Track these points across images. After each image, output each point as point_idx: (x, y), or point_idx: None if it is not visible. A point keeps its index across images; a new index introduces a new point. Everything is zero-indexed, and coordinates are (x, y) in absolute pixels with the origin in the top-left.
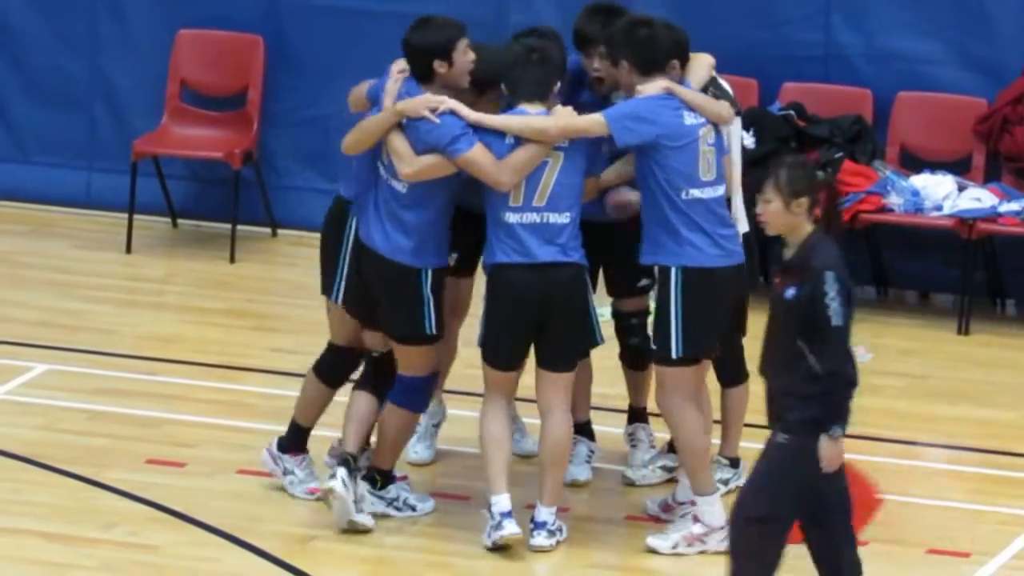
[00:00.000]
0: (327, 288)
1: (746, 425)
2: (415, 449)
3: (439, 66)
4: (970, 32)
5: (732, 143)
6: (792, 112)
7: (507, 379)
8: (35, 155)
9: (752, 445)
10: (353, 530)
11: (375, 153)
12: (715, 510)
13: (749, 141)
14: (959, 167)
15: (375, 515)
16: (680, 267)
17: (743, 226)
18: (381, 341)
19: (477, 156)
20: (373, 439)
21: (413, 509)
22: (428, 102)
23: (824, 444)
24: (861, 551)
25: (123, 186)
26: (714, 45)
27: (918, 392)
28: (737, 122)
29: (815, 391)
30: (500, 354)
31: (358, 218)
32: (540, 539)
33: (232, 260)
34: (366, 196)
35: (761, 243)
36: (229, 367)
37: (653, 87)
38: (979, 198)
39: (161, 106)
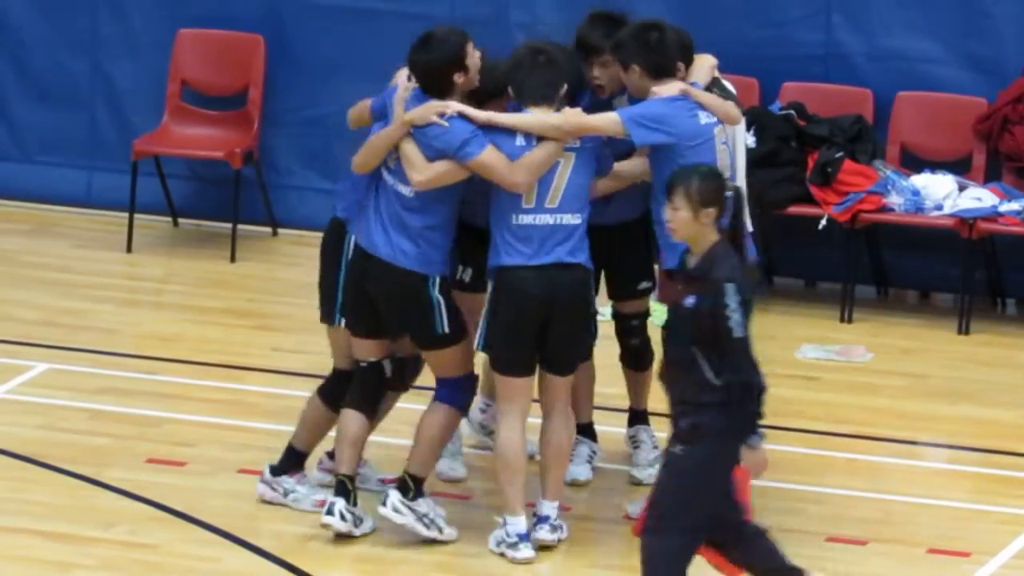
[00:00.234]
0: (327, 314)
1: None
2: (451, 466)
3: (458, 77)
4: (970, 32)
5: (737, 143)
6: (792, 112)
7: (523, 386)
8: (36, 154)
9: None
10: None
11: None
12: None
13: (750, 141)
14: (959, 167)
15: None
16: None
17: (748, 226)
18: (371, 350)
19: (489, 158)
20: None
21: (440, 531)
22: (436, 108)
23: (746, 455)
24: (862, 550)
25: (124, 185)
26: (714, 45)
27: (918, 392)
28: (741, 122)
29: (709, 400)
30: (510, 358)
31: (357, 223)
32: (543, 533)
33: (233, 259)
34: (366, 201)
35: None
36: (230, 366)
37: (669, 89)
38: (979, 198)
39: (162, 105)
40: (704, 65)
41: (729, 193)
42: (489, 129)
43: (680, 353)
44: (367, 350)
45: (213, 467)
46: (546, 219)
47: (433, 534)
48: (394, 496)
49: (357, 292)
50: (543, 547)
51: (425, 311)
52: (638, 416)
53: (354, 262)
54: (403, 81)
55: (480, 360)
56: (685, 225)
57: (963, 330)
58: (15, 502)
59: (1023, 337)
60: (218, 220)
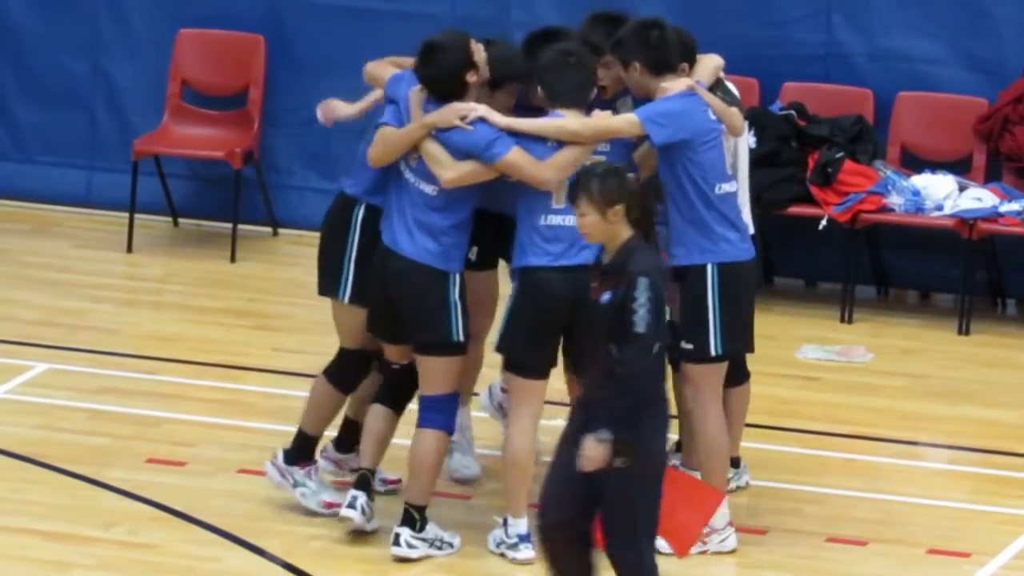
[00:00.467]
0: (331, 288)
1: (747, 425)
2: (464, 463)
3: (470, 76)
4: (971, 32)
5: (739, 144)
6: (793, 112)
7: (538, 388)
8: (36, 154)
9: (752, 445)
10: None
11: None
12: (722, 512)
13: (750, 141)
14: (960, 167)
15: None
16: (716, 264)
17: (750, 227)
18: (401, 354)
19: (516, 158)
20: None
21: (451, 546)
22: (458, 111)
23: (589, 444)
24: (862, 551)
25: (124, 185)
26: (715, 45)
27: (918, 392)
28: (743, 134)
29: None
30: (530, 360)
31: (383, 224)
32: None
33: (233, 259)
34: (387, 201)
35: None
36: (230, 366)
37: (678, 85)
38: (980, 198)
39: (162, 105)
40: (710, 65)
41: (633, 187)
42: (512, 133)
43: (598, 349)
44: (397, 354)
45: (213, 467)
46: (575, 220)
47: (446, 552)
48: (405, 533)
49: (381, 296)
50: None
51: (442, 312)
52: None
53: (377, 261)
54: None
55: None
56: (595, 227)
57: (963, 330)
58: (15, 502)
59: (1023, 338)
60: (218, 220)
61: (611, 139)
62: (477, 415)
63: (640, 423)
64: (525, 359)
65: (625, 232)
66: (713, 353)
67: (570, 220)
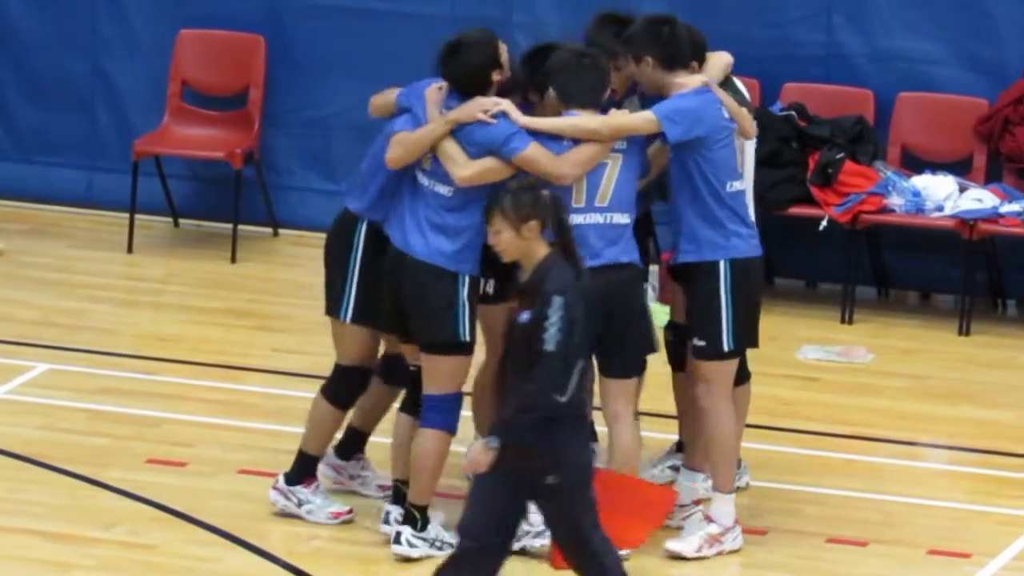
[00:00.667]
0: (333, 308)
1: (747, 425)
2: None
3: (496, 75)
4: (971, 32)
5: (746, 144)
6: (793, 112)
7: None
8: (35, 155)
9: (753, 445)
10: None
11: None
12: (728, 509)
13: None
14: (960, 168)
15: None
16: (728, 260)
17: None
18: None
19: (535, 152)
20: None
21: (452, 547)
22: (481, 105)
23: (477, 446)
24: (862, 551)
25: (124, 186)
26: (716, 45)
27: (919, 393)
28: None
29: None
30: None
31: (391, 227)
32: None
33: (233, 260)
34: (397, 207)
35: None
36: (230, 367)
37: (693, 81)
38: (980, 199)
39: (162, 106)
40: (719, 63)
41: (547, 202)
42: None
43: (519, 367)
44: (415, 353)
45: (213, 467)
46: (596, 218)
47: (446, 551)
48: (406, 532)
49: (394, 297)
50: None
51: (451, 311)
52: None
53: (388, 264)
54: (434, 86)
55: None
56: (511, 245)
57: (963, 331)
58: (15, 502)
59: (1023, 338)
60: (218, 220)
61: (626, 137)
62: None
63: (558, 438)
64: None
65: (541, 249)
66: (726, 349)
67: (592, 218)
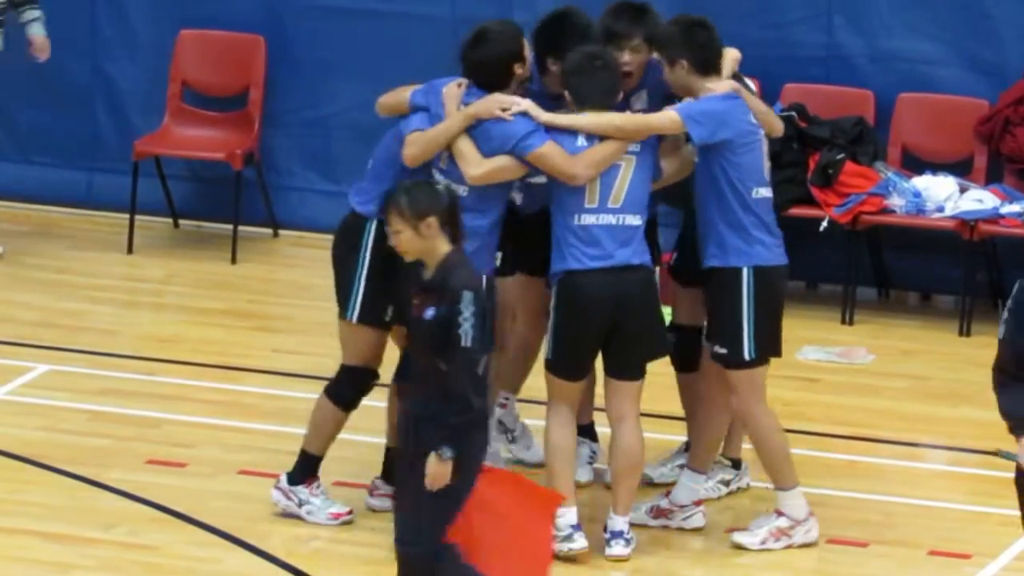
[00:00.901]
0: (341, 309)
1: None
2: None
3: (517, 67)
4: (972, 33)
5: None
6: (794, 113)
7: (576, 389)
8: (35, 155)
9: (747, 445)
10: None
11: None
12: (798, 503)
13: None
14: (961, 168)
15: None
16: (752, 267)
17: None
18: None
19: (550, 150)
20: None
21: None
22: (500, 102)
23: (431, 462)
24: (862, 552)
25: (124, 186)
26: None
27: (919, 393)
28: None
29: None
30: (571, 364)
31: None
32: (618, 548)
33: (233, 261)
34: None
35: None
36: (230, 368)
37: (723, 86)
38: (981, 199)
39: (162, 106)
40: (728, 59)
41: (445, 198)
42: (549, 129)
43: (425, 366)
44: None
45: (213, 468)
46: (609, 219)
47: None
48: None
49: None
50: (617, 560)
51: None
52: None
53: (405, 261)
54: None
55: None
56: (411, 243)
57: (964, 332)
58: (15, 503)
59: None
60: (219, 221)
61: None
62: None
63: (475, 440)
64: (570, 365)
65: (443, 246)
66: (747, 357)
67: (604, 219)
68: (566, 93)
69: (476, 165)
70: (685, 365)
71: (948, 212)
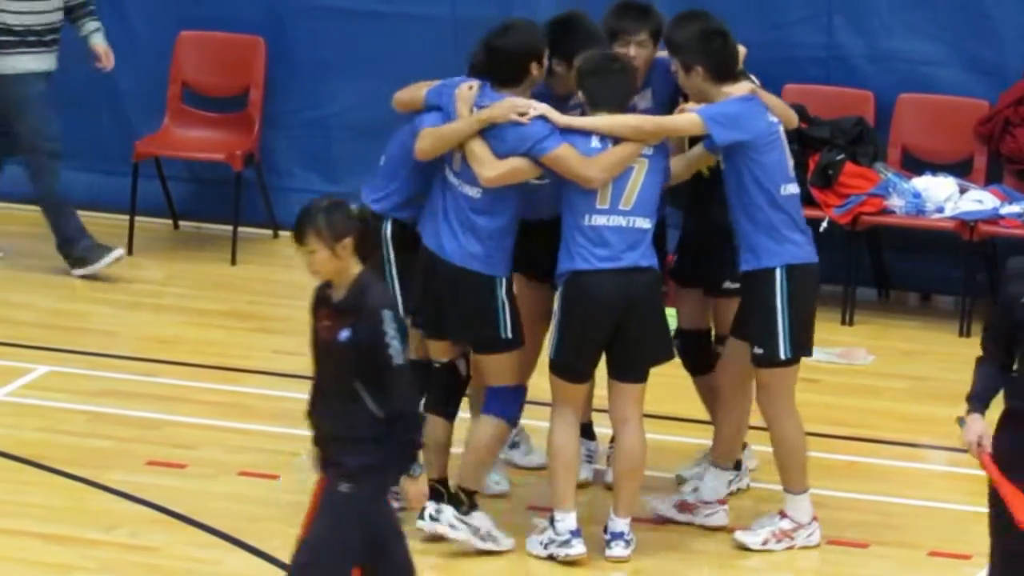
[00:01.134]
0: None
1: (748, 427)
2: (495, 480)
3: (535, 68)
4: (972, 34)
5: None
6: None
7: (580, 391)
8: None
9: (754, 447)
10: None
11: (438, 161)
12: (805, 507)
13: None
14: (961, 169)
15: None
16: (784, 267)
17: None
18: (443, 351)
19: (565, 152)
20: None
21: (496, 542)
22: (516, 106)
23: (405, 484)
24: (863, 553)
25: (124, 187)
26: None
27: (919, 394)
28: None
29: (370, 434)
30: (576, 364)
31: (423, 226)
32: (618, 550)
33: (233, 262)
34: (430, 203)
35: None
36: (230, 369)
37: (740, 88)
38: (981, 200)
39: (162, 107)
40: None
41: (360, 220)
42: (565, 132)
43: (340, 388)
44: (439, 350)
45: (213, 469)
46: (619, 221)
47: (489, 545)
48: (448, 512)
49: (424, 293)
50: (617, 562)
51: (491, 313)
52: None
53: (422, 262)
54: (465, 86)
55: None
56: (326, 264)
57: (964, 332)
58: (15, 504)
59: None
60: (219, 222)
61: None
62: (460, 415)
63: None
64: (574, 366)
65: (355, 267)
66: (783, 357)
67: (615, 220)
68: (580, 94)
69: (491, 167)
70: (698, 368)
71: (948, 213)
